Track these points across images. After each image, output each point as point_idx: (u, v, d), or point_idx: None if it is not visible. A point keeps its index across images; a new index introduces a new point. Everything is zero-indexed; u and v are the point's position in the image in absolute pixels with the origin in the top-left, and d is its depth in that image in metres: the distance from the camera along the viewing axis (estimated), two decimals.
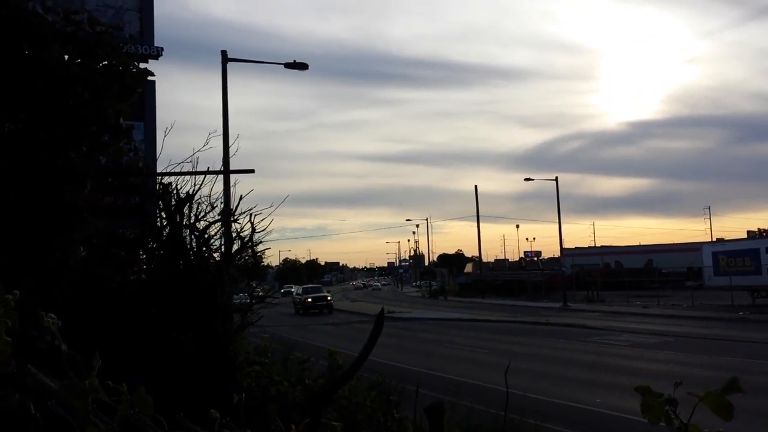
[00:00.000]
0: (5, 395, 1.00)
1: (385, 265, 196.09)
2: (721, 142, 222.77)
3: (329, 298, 43.51)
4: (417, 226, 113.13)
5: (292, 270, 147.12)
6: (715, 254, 43.73)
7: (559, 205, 50.58)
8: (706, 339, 24.79)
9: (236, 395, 1.51)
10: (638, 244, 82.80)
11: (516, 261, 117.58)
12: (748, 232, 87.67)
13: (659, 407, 1.69)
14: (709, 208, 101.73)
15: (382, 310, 1.31)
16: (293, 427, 1.74)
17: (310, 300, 42.33)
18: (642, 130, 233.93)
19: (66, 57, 7.06)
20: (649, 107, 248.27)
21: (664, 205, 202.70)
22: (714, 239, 71.74)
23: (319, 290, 46.58)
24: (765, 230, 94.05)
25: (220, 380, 5.70)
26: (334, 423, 1.69)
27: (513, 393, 14.39)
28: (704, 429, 1.66)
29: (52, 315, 1.28)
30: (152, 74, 10.69)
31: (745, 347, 21.88)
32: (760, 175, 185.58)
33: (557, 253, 56.60)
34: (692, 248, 56.10)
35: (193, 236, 7.87)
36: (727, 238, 59.11)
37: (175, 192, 8.05)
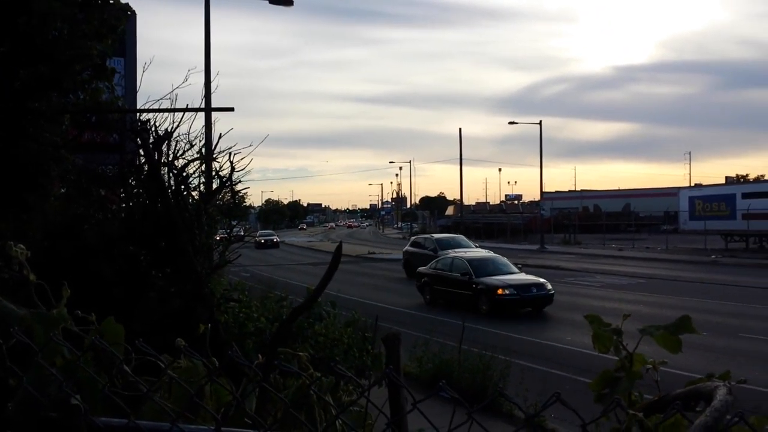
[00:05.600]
0: None
1: (368, 207, 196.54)
2: (705, 88, 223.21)
3: (276, 240, 64.57)
4: (400, 168, 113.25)
5: (274, 211, 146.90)
6: (691, 199, 44.36)
7: (542, 149, 50.62)
8: (677, 281, 25.44)
9: (202, 325, 1.57)
10: (617, 188, 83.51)
11: (497, 204, 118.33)
12: (727, 177, 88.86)
13: (608, 337, 1.78)
14: (690, 154, 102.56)
15: (340, 244, 1.36)
16: (260, 356, 1.82)
17: (263, 240, 61.74)
18: (626, 75, 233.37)
19: None
20: (635, 51, 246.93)
21: (646, 149, 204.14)
22: (693, 184, 72.55)
23: (270, 234, 68.84)
24: (743, 176, 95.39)
25: (197, 317, 5.80)
26: (300, 353, 1.76)
27: (488, 331, 14.76)
28: (650, 359, 1.74)
29: (21, 246, 1.30)
30: (132, 10, 10.41)
31: (714, 289, 22.52)
32: (743, 122, 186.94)
33: (538, 197, 56.98)
34: (670, 193, 56.77)
35: (171, 174, 7.84)
36: (705, 184, 59.83)
37: (153, 129, 7.96)
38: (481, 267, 19.85)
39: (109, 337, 1.39)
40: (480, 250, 27.47)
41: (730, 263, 32.59)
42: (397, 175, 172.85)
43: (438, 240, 29.66)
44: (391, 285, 26.00)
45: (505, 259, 21.46)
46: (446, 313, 17.81)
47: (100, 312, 1.50)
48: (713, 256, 35.59)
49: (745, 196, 39.87)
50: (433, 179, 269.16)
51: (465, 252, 24.62)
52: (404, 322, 15.80)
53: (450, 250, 26.22)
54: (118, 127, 9.23)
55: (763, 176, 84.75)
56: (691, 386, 1.51)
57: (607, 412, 1.29)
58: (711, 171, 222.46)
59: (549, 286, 18.74)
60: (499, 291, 18.15)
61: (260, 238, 63.23)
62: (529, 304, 18.24)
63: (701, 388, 1.48)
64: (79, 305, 1.44)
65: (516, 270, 20.64)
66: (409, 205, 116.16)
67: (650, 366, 1.73)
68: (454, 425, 1.41)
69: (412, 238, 34.77)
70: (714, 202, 41.92)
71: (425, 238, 31.33)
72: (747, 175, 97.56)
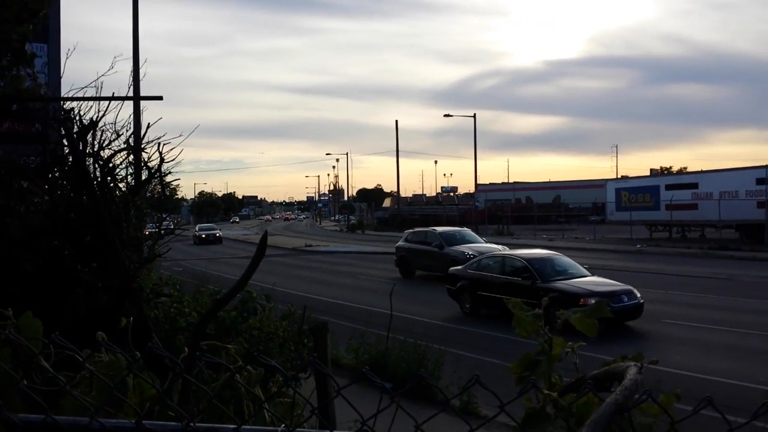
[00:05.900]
0: None
1: (305, 199, 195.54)
2: (632, 83, 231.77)
3: (219, 234, 58.08)
4: (337, 160, 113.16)
5: (208, 203, 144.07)
6: (618, 190, 46.02)
7: (476, 141, 51.63)
8: (604, 270, 26.30)
9: (124, 319, 1.54)
10: (548, 180, 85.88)
11: (433, 196, 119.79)
12: (651, 170, 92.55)
13: (529, 322, 1.84)
14: (617, 147, 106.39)
15: (265, 234, 1.36)
16: (186, 349, 1.79)
17: (204, 235, 56.21)
18: (557, 69, 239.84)
19: None
20: (565, 46, 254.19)
21: (576, 143, 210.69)
22: (619, 177, 75.29)
23: (212, 228, 61.98)
24: (667, 168, 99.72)
25: (125, 313, 5.66)
26: (228, 345, 1.75)
27: (423, 321, 14.91)
28: (569, 343, 1.81)
29: None
30: None
31: (639, 277, 23.44)
32: (667, 116, 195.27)
33: (473, 189, 57.96)
34: (598, 185, 58.66)
35: (97, 165, 7.58)
36: (631, 176, 62.13)
37: (78, 118, 7.67)
38: (545, 268, 16.04)
39: (26, 332, 1.35)
40: (495, 245, 24.74)
41: (654, 252, 34.03)
42: (334, 167, 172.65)
43: (442, 234, 25.89)
44: (328, 278, 25.76)
45: (568, 258, 17.36)
46: (380, 303, 15.46)
47: (23, 307, 1.45)
48: (638, 246, 37.05)
49: (668, 187, 41.65)
50: (370, 171, 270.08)
51: (506, 249, 21.64)
52: (340, 314, 15.71)
53: (458, 246, 23.86)
54: (41, 115, 8.86)
55: (685, 168, 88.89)
56: (606, 367, 1.59)
57: (523, 393, 1.35)
58: (636, 163, 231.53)
59: (638, 294, 15.12)
60: (582, 301, 13.83)
61: (201, 232, 56.68)
62: (619, 318, 13.97)
63: (614, 368, 1.56)
64: None
65: (586, 272, 16.61)
66: (346, 198, 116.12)
67: (569, 350, 1.80)
68: (383, 411, 1.44)
69: (406, 232, 29.91)
70: (639, 194, 43.62)
71: (425, 232, 27.25)
72: (670, 168, 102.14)
